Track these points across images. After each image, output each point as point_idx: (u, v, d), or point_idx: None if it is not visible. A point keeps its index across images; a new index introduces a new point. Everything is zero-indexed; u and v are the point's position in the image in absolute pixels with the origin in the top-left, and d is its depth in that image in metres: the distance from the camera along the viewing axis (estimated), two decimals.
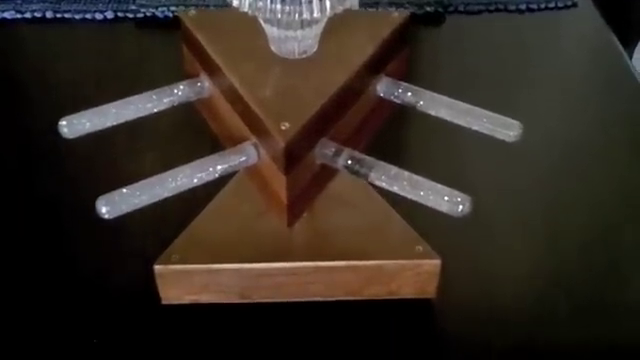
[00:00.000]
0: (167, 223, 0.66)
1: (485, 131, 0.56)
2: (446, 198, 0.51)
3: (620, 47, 0.90)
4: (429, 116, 0.57)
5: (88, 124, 0.56)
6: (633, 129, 0.81)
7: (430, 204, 0.51)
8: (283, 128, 0.51)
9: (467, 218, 0.51)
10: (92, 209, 0.51)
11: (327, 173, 0.57)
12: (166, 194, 0.53)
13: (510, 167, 0.75)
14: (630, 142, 0.80)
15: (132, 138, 0.75)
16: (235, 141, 0.56)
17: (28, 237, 0.69)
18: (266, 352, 0.60)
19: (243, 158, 0.55)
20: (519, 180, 0.74)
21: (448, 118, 0.57)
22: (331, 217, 0.64)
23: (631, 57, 0.94)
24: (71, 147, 0.59)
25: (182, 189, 0.53)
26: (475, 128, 0.56)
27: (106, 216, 0.51)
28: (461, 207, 0.50)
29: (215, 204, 0.65)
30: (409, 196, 0.52)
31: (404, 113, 0.61)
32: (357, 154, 0.54)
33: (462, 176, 0.60)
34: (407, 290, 0.63)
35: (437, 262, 0.61)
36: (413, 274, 0.62)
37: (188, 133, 0.75)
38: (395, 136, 0.76)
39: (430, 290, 0.63)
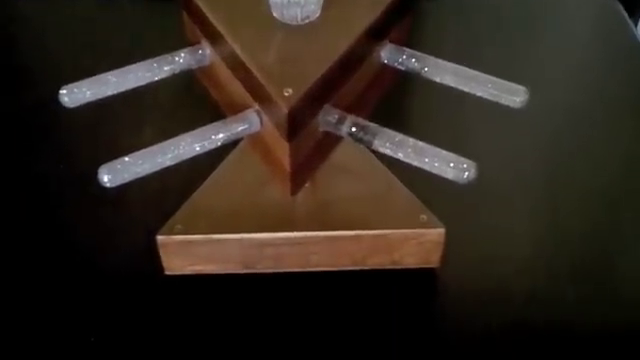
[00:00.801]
0: (169, 194, 0.66)
1: (490, 97, 0.55)
2: (451, 165, 0.50)
3: (626, 15, 0.89)
4: (433, 82, 0.57)
5: (89, 93, 0.56)
6: (638, 97, 0.81)
7: (435, 171, 0.51)
8: (286, 94, 0.50)
9: (471, 186, 0.50)
10: (94, 178, 0.50)
11: (330, 141, 0.56)
12: (168, 162, 0.52)
13: (515, 134, 0.74)
14: (635, 110, 0.79)
15: (133, 107, 0.74)
16: (237, 109, 0.55)
17: (29, 208, 0.69)
18: (269, 322, 0.60)
19: (246, 126, 0.54)
20: (523, 147, 0.74)
21: (453, 84, 0.56)
22: (334, 186, 0.64)
23: (636, 25, 0.92)
24: (72, 116, 0.59)
25: (184, 157, 0.53)
26: (480, 94, 0.55)
27: (108, 184, 0.50)
28: (467, 174, 0.50)
29: (218, 173, 0.65)
30: (414, 163, 0.51)
31: (408, 79, 0.60)
32: (361, 121, 0.53)
33: (466, 143, 0.60)
34: (411, 260, 0.62)
35: (441, 231, 0.61)
36: (417, 243, 0.61)
37: (190, 101, 0.74)
38: (399, 103, 0.76)
39: (434, 259, 0.62)
